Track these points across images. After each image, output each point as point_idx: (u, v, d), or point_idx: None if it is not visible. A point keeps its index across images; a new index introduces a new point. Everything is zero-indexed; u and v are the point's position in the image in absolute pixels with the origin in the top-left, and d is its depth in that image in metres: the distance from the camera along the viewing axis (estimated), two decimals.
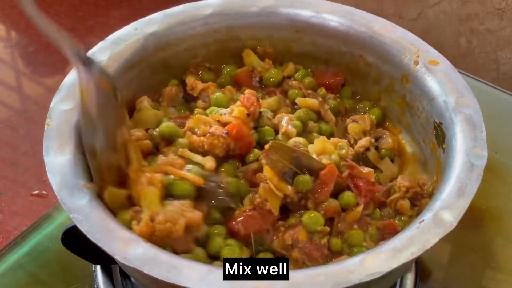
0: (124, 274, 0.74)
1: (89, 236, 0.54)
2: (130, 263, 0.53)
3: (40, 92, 1.82)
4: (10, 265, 0.78)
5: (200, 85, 0.76)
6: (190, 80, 0.77)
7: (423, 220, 0.57)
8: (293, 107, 0.77)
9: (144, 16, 0.77)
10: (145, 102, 0.73)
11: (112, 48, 0.72)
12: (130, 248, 0.54)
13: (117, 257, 0.53)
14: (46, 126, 0.63)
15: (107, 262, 0.73)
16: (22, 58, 1.98)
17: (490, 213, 0.84)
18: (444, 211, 0.57)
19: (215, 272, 0.53)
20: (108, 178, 0.61)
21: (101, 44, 0.73)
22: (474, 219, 0.83)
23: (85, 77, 0.60)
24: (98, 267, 0.75)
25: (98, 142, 0.61)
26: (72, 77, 0.68)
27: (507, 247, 0.81)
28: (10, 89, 1.86)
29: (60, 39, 0.59)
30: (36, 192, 1.48)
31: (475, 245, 0.80)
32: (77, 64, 0.60)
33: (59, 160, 0.60)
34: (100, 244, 0.54)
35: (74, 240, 0.65)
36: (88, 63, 0.61)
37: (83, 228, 0.55)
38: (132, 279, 0.74)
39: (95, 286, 0.75)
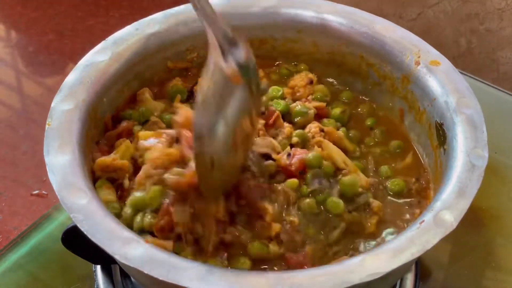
0: (125, 274, 0.74)
1: (89, 236, 0.54)
2: (130, 263, 0.53)
3: (40, 92, 1.82)
4: (10, 265, 0.78)
5: None
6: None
7: (423, 221, 0.57)
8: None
9: (144, 16, 0.77)
10: (146, 94, 0.74)
11: (113, 48, 0.73)
12: (130, 248, 0.54)
13: (117, 257, 0.53)
14: (47, 126, 0.63)
15: (107, 262, 0.73)
16: (22, 58, 1.98)
17: (490, 213, 0.84)
18: (445, 212, 0.57)
19: (215, 272, 0.53)
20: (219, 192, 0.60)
21: (102, 44, 0.73)
22: (474, 219, 0.83)
23: (220, 66, 0.56)
24: (98, 267, 0.75)
25: (218, 143, 0.57)
26: (73, 76, 0.68)
27: (507, 247, 0.81)
28: (10, 89, 1.86)
29: (209, 20, 0.57)
30: (36, 192, 1.48)
31: (475, 245, 0.80)
32: (218, 50, 0.56)
33: (59, 160, 0.60)
34: (100, 244, 0.54)
35: (75, 240, 0.65)
36: (232, 45, 0.57)
37: (83, 228, 0.55)
38: (132, 279, 0.74)
39: (95, 286, 0.74)
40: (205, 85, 0.57)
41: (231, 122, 0.58)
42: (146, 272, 0.52)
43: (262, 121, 0.70)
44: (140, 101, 0.74)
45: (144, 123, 0.72)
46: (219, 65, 0.56)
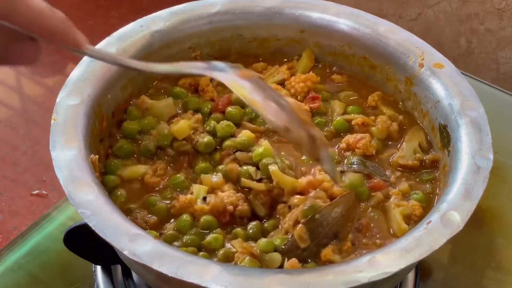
0: (126, 273, 0.74)
1: (97, 232, 0.54)
2: (139, 259, 0.52)
3: (40, 92, 1.82)
4: (10, 265, 0.78)
5: (211, 92, 0.76)
6: (203, 82, 0.76)
7: (430, 221, 0.57)
8: None
9: (144, 16, 0.77)
10: (147, 100, 0.73)
11: (118, 44, 0.72)
12: (138, 244, 0.53)
13: (126, 252, 0.53)
14: (52, 121, 0.63)
15: (108, 262, 0.73)
16: None
17: (490, 213, 0.84)
18: (451, 213, 0.57)
19: (225, 269, 0.53)
20: None
21: (107, 39, 0.73)
22: (474, 219, 0.82)
23: None
24: (98, 267, 0.75)
25: None
26: (78, 72, 0.68)
27: (507, 247, 0.81)
28: (10, 89, 1.85)
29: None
30: (36, 192, 1.47)
31: (475, 245, 0.81)
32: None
33: (66, 155, 0.60)
34: (109, 239, 0.54)
35: (76, 240, 0.65)
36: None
37: (91, 223, 0.54)
38: (134, 278, 0.74)
39: (95, 286, 0.74)
40: None
41: None
42: (155, 268, 0.52)
43: (307, 108, 0.74)
44: (147, 109, 0.73)
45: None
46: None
